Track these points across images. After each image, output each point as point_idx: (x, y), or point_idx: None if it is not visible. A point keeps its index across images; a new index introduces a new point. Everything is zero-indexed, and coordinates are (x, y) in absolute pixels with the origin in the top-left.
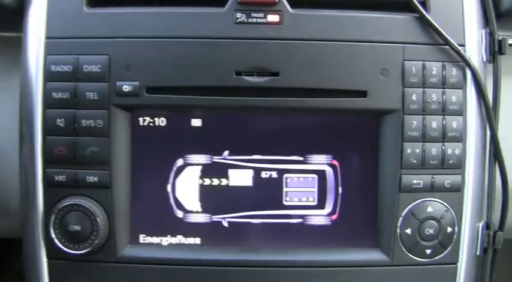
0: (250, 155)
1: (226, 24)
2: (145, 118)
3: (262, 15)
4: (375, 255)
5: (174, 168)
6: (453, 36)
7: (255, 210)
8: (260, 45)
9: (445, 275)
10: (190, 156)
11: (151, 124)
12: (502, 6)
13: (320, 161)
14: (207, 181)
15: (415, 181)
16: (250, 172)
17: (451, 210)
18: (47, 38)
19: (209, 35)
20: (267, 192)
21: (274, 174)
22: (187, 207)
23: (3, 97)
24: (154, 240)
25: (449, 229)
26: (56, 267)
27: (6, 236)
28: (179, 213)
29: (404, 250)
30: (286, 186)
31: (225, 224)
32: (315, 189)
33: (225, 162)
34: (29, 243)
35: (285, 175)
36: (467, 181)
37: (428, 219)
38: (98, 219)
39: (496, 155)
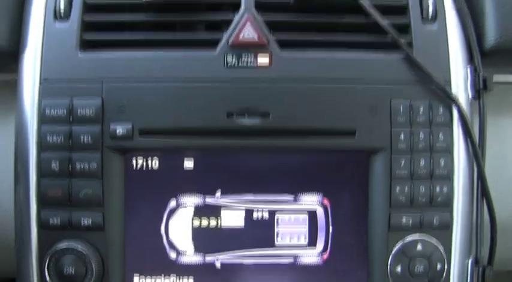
0: (242, 195)
1: (217, 67)
2: (138, 160)
3: (252, 57)
4: None
5: (167, 210)
6: (439, 74)
7: (247, 250)
8: (251, 86)
9: None
10: (183, 197)
11: (144, 166)
12: (486, 44)
13: (311, 200)
14: (200, 222)
15: (404, 219)
16: (242, 213)
17: (441, 247)
18: (42, 81)
19: (201, 77)
20: (259, 232)
21: (266, 214)
22: (180, 248)
23: (0, 138)
24: (148, 281)
25: (439, 266)
26: None
27: (2, 275)
28: (172, 254)
29: None
30: (278, 226)
31: (218, 264)
32: (306, 228)
33: (217, 203)
34: None
35: (277, 215)
36: (456, 218)
37: (418, 257)
38: (92, 261)
39: (483, 192)
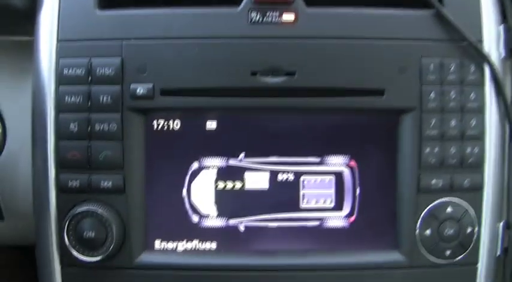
0: (266, 157)
1: (241, 23)
2: (159, 121)
3: (277, 14)
4: (394, 256)
5: (189, 172)
6: (470, 32)
7: (272, 213)
8: (275, 44)
9: (466, 276)
10: (205, 159)
11: (165, 127)
12: None
13: (337, 162)
14: (223, 184)
15: (434, 181)
16: (267, 174)
17: (471, 210)
18: (59, 40)
19: (224, 35)
20: (284, 195)
21: (291, 176)
22: (203, 212)
23: (16, 101)
24: (170, 245)
25: (469, 229)
26: (70, 275)
27: (19, 242)
28: (195, 218)
29: (424, 251)
30: (303, 188)
31: (242, 227)
32: (333, 191)
33: (240, 165)
34: (43, 249)
35: (302, 177)
36: (487, 180)
37: (448, 220)
38: (112, 225)
39: None
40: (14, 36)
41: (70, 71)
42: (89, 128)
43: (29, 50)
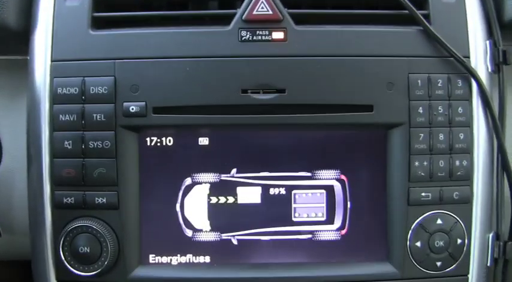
0: (258, 172)
1: (231, 42)
2: (152, 138)
3: (267, 32)
4: (385, 268)
5: (183, 187)
6: (457, 48)
7: (264, 227)
8: (266, 62)
9: None
10: (198, 174)
11: (158, 144)
12: (505, 17)
13: (328, 176)
14: (216, 199)
15: (423, 194)
16: (259, 189)
17: (461, 221)
18: (53, 60)
19: (215, 54)
20: (276, 209)
21: (283, 191)
22: (196, 226)
23: (11, 118)
24: (164, 259)
25: (459, 241)
26: None
27: (16, 258)
28: (188, 232)
29: (415, 263)
30: (295, 203)
31: (235, 241)
32: (324, 205)
33: (233, 180)
34: (39, 265)
35: (294, 191)
36: (476, 192)
37: (438, 232)
38: (107, 240)
39: (504, 166)
40: (8, 55)
41: (64, 90)
42: (83, 146)
43: (23, 68)
